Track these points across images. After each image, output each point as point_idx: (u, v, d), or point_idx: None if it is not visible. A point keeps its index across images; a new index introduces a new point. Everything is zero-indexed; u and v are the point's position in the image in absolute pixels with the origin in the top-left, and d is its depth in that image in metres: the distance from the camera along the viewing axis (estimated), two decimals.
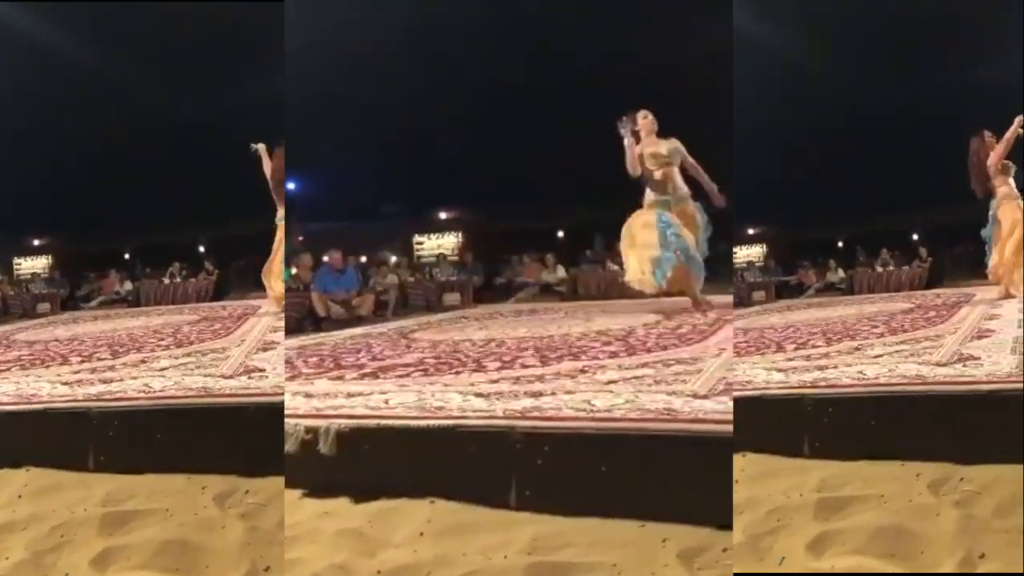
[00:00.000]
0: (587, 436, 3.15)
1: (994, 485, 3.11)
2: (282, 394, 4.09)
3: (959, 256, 13.97)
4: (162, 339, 6.90)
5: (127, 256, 16.38)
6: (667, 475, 2.99)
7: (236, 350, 5.79)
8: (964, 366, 4.29)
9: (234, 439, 3.76)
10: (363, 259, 13.54)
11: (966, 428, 3.48)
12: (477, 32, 14.32)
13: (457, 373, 4.62)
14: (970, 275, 11.84)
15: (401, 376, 4.59)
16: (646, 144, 7.83)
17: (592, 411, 3.42)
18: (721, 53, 9.29)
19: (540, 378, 4.30)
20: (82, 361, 5.62)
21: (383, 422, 3.43)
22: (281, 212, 8.90)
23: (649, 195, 7.82)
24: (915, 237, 16.30)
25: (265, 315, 8.44)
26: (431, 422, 3.36)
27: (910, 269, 14.06)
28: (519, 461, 3.12)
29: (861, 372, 4.28)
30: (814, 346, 5.56)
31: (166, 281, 13.95)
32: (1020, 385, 3.70)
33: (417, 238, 17.53)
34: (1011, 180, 8.82)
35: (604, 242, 13.72)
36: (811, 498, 3.23)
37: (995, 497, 3.05)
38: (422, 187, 16.16)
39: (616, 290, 11.96)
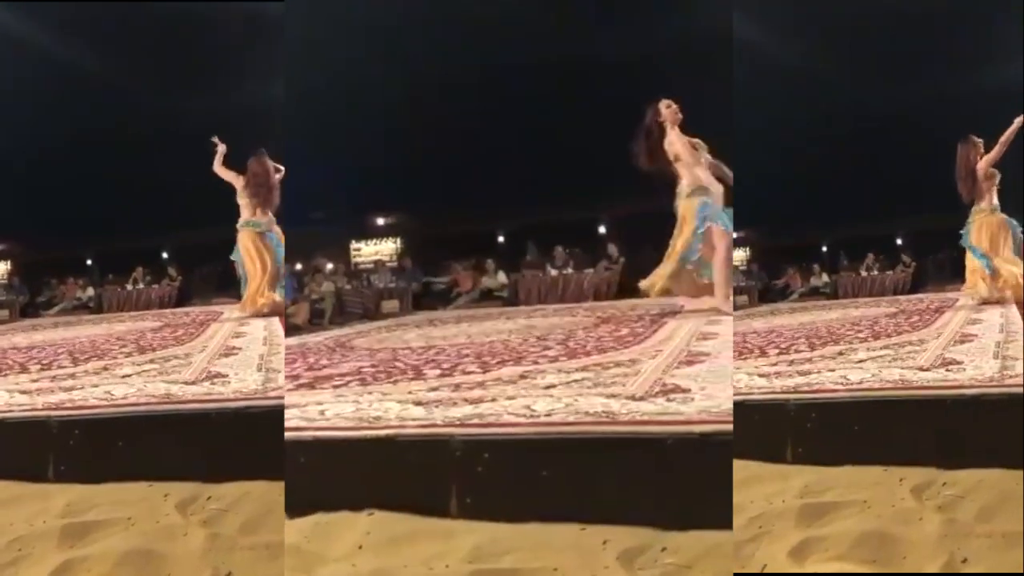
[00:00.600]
0: (527, 441, 3.20)
1: (977, 489, 3.14)
2: (244, 399, 4.09)
3: (942, 261, 14.11)
4: (124, 345, 6.87)
5: (89, 262, 16.27)
6: (606, 477, 3.05)
7: (199, 356, 5.79)
8: (947, 370, 4.33)
9: (197, 445, 3.75)
10: (298, 266, 13.40)
11: (949, 432, 3.52)
12: (420, 34, 14.26)
13: (395, 382, 4.59)
14: (953, 280, 11.93)
15: (338, 386, 4.54)
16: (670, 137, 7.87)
17: (532, 416, 3.47)
18: (718, 53, 9.35)
19: (480, 384, 4.30)
20: (42, 369, 5.58)
21: (319, 434, 3.43)
22: (260, 218, 8.94)
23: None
24: (899, 242, 16.43)
25: (228, 320, 8.41)
26: (369, 433, 3.36)
27: (894, 274, 14.21)
28: (459, 469, 3.15)
29: (844, 377, 4.31)
30: (797, 351, 5.59)
31: (129, 287, 13.88)
32: (1002, 389, 3.75)
33: (355, 244, 17.44)
34: (995, 190, 8.92)
35: (539, 248, 13.77)
36: (794, 504, 3.25)
37: (978, 501, 3.08)
38: (359, 192, 16.04)
39: (555, 294, 12.06)
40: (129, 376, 4.98)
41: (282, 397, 4.09)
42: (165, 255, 15.96)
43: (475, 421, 3.44)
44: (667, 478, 3.02)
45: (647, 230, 13.29)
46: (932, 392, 3.87)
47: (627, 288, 12.16)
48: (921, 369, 4.43)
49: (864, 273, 14.49)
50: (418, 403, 3.84)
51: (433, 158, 14.52)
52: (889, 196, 14.84)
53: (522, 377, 4.46)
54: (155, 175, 13.95)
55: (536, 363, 5.01)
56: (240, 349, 6.08)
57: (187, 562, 2.96)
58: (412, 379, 4.64)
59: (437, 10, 13.95)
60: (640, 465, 3.08)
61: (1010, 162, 8.96)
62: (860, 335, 6.41)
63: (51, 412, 3.94)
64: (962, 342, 5.49)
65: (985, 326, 6.41)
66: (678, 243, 7.83)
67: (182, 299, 13.29)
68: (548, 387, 4.11)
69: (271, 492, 3.33)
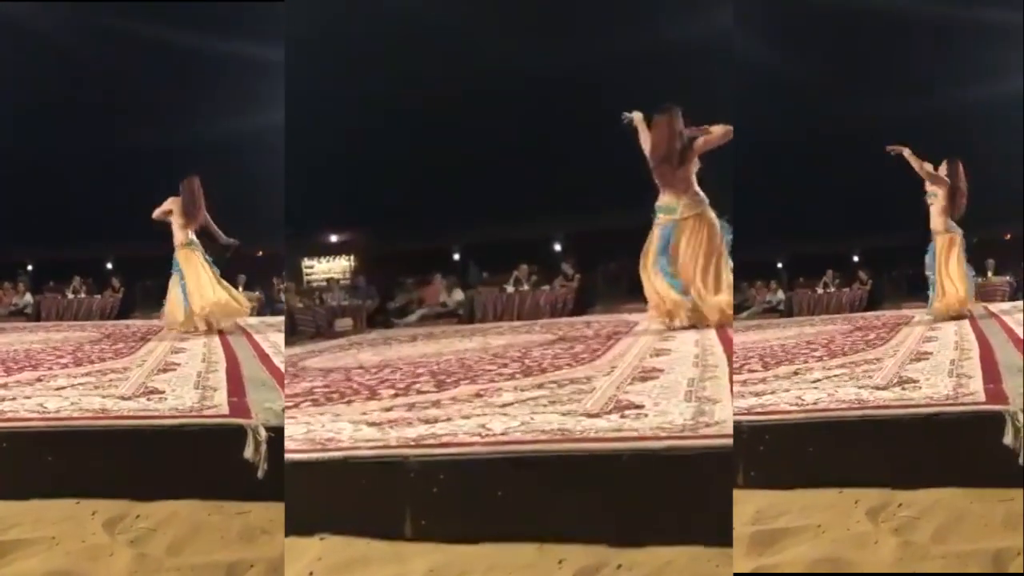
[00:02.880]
0: (483, 461, 3.19)
1: (933, 510, 3.15)
2: (180, 416, 4.01)
3: (898, 279, 14.25)
4: (61, 356, 6.75)
5: (29, 268, 16.01)
6: (562, 495, 3.07)
7: (137, 370, 5.69)
8: (903, 389, 4.33)
9: (129, 462, 3.68)
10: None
11: (905, 452, 3.52)
12: (370, 53, 14.14)
13: (349, 402, 4.54)
14: (910, 297, 12.06)
15: (289, 407, 4.46)
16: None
17: (487, 435, 3.45)
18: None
19: (435, 404, 4.28)
20: None
21: None
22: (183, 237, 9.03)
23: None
24: (856, 259, 16.56)
25: (165, 337, 8.28)
26: (320, 455, 3.33)
27: (851, 291, 14.31)
28: (414, 490, 3.13)
29: (799, 397, 4.29)
30: (750, 371, 5.55)
31: (69, 296, 13.68)
32: (957, 408, 3.76)
33: (307, 262, 17.30)
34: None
35: (490, 267, 13.76)
36: (745, 531, 3.21)
37: (933, 522, 3.09)
38: (311, 209, 15.84)
39: (511, 312, 12.01)
40: (63, 389, 4.89)
41: (221, 416, 4.01)
42: (109, 266, 15.74)
43: (430, 441, 3.40)
44: (623, 495, 3.03)
45: (602, 248, 13.34)
46: (887, 412, 3.86)
47: (582, 305, 12.10)
48: (878, 388, 4.42)
49: (820, 290, 14.57)
50: (372, 424, 3.81)
51: (386, 175, 14.42)
52: (847, 213, 14.96)
53: (478, 396, 4.44)
54: (106, 185, 13.76)
55: (492, 381, 4.98)
56: (179, 365, 5.99)
57: None
58: (366, 399, 4.60)
59: (389, 29, 13.86)
60: (596, 482, 3.09)
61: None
62: (816, 353, 6.40)
63: None
64: (918, 360, 5.50)
65: (940, 344, 6.44)
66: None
67: (123, 311, 13.14)
68: (504, 405, 4.09)
69: (199, 512, 3.27)
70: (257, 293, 12.69)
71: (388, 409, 4.20)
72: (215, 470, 3.65)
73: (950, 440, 3.52)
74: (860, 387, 4.49)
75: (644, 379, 4.72)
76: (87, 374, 5.57)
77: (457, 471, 3.15)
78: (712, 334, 6.80)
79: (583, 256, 13.46)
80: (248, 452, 3.62)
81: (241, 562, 3.16)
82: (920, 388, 4.32)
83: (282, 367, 5.95)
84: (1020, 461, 3.31)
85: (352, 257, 17.17)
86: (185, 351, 6.90)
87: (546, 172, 12.78)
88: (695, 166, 7.81)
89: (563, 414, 3.78)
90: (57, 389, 4.88)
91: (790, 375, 5.19)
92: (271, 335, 8.09)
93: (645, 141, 7.87)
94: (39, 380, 5.31)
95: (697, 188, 7.80)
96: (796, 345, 7.17)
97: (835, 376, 5.00)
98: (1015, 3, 11.36)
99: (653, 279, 7.70)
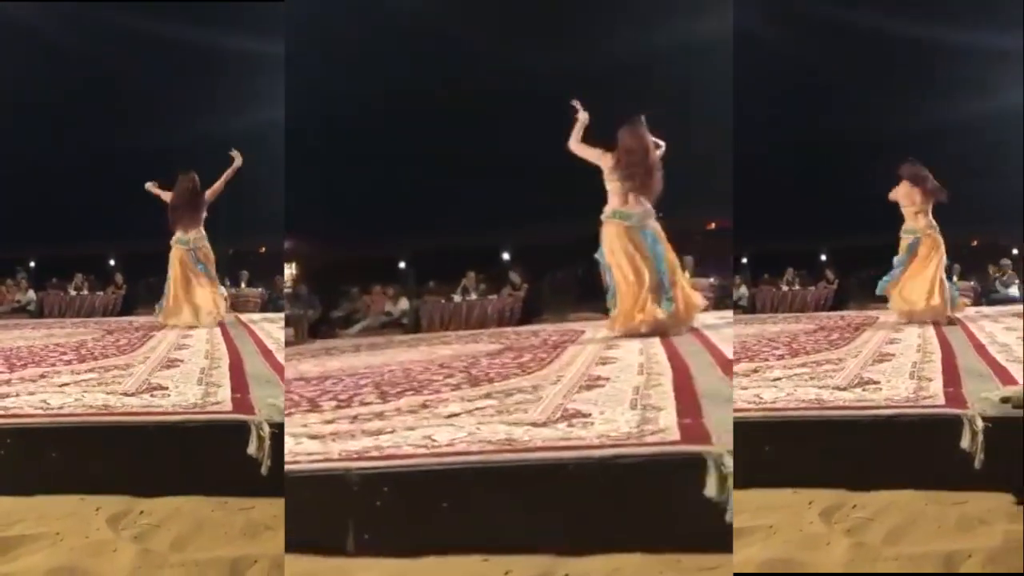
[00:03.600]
0: (428, 472, 3.08)
1: (887, 511, 3.16)
2: (183, 412, 4.02)
3: (865, 280, 14.21)
4: (64, 353, 6.69)
5: (31, 265, 15.89)
6: (508, 506, 2.98)
7: (140, 367, 5.66)
8: (863, 390, 4.33)
9: (133, 458, 3.68)
10: None
11: (863, 453, 3.53)
12: (319, 57, 13.99)
13: (289, 415, 4.30)
14: (874, 298, 12.05)
15: None
16: None
17: (433, 446, 3.33)
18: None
19: (380, 415, 4.07)
20: None
21: None
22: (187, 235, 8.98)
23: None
24: (823, 258, 16.50)
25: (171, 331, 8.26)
26: None
27: (816, 290, 14.18)
28: (356, 504, 3.02)
29: (758, 396, 4.28)
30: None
31: (72, 293, 13.61)
32: (916, 410, 3.78)
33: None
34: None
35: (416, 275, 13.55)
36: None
37: (886, 524, 3.09)
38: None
39: (459, 321, 11.74)
40: (66, 385, 4.86)
41: (224, 412, 4.01)
42: (111, 262, 15.62)
43: (373, 454, 3.26)
44: (569, 503, 2.97)
45: (551, 257, 13.15)
46: (846, 412, 3.87)
47: (530, 314, 11.92)
48: (838, 388, 4.42)
49: (785, 287, 14.36)
50: (313, 436, 3.65)
51: (329, 181, 14.18)
52: (815, 211, 14.91)
53: (423, 406, 4.24)
54: (105, 182, 13.66)
55: (438, 392, 4.75)
56: (182, 361, 5.94)
57: None
58: (307, 411, 4.38)
59: (336, 33, 13.66)
60: (542, 492, 3.02)
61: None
62: (776, 352, 6.31)
63: None
64: (880, 361, 5.48)
65: (903, 345, 6.39)
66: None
67: (126, 308, 13.05)
68: (450, 416, 3.94)
69: (203, 508, 3.27)
70: (259, 290, 12.59)
71: (330, 421, 3.98)
72: (218, 466, 3.64)
73: (908, 442, 3.53)
74: (820, 387, 4.48)
75: (590, 387, 4.59)
76: (90, 370, 5.53)
77: (402, 483, 3.04)
78: (656, 342, 6.57)
79: (531, 265, 13.11)
80: (251, 448, 3.62)
81: (245, 558, 3.15)
82: (881, 390, 4.32)
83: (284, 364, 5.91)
84: (976, 464, 3.34)
85: (294, 265, 16.80)
86: (188, 347, 6.84)
87: (495, 181, 12.56)
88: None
89: (510, 424, 3.66)
90: (61, 386, 4.85)
91: (749, 373, 5.15)
92: (274, 331, 8.00)
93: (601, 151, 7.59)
94: (43, 376, 5.26)
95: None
96: (758, 343, 7.02)
97: (795, 375, 4.97)
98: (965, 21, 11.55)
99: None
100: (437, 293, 12.91)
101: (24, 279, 14.39)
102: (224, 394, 4.54)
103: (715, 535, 2.88)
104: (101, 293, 13.60)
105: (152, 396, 4.48)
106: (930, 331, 7.42)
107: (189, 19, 12.44)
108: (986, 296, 12.28)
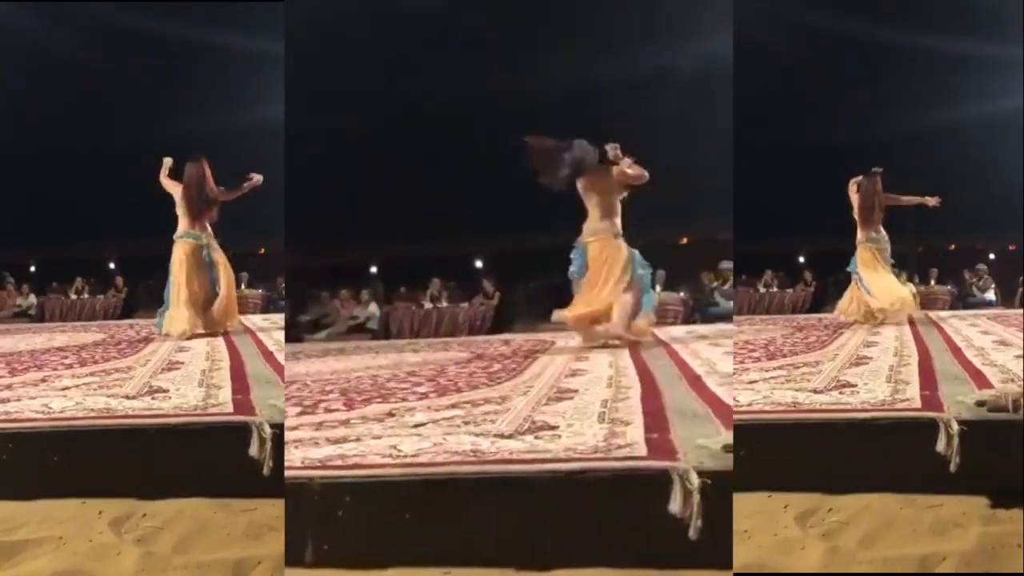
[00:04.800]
0: (392, 483, 2.98)
1: (861, 515, 3.14)
2: (185, 415, 4.00)
3: (843, 282, 14.21)
4: (65, 357, 6.66)
5: (32, 269, 15.80)
6: (473, 518, 2.91)
7: (141, 370, 5.63)
8: (840, 393, 4.32)
9: (134, 461, 3.66)
10: None
11: (839, 456, 3.51)
12: (296, 64, 13.87)
13: None
14: None
15: None
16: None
17: (398, 456, 3.23)
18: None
19: (344, 423, 3.96)
20: None
21: None
22: (196, 231, 8.31)
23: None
24: (801, 260, 16.49)
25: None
26: None
27: (794, 292, 14.11)
28: (317, 514, 2.92)
29: (734, 399, 4.24)
30: None
31: (72, 296, 13.55)
32: (892, 413, 3.78)
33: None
34: None
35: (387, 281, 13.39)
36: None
37: (861, 528, 3.08)
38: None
39: (428, 328, 11.56)
40: (67, 389, 4.84)
41: (226, 414, 3.98)
42: (112, 265, 15.53)
43: (337, 463, 3.17)
44: (535, 517, 2.91)
45: (524, 266, 13.01)
46: (822, 415, 3.86)
47: (501, 322, 11.76)
48: (815, 391, 4.41)
49: (763, 290, 14.29)
50: None
51: (301, 185, 14.01)
52: (793, 213, 14.90)
53: (389, 415, 4.14)
54: (104, 184, 13.58)
55: (405, 400, 4.63)
56: (183, 363, 5.90)
57: None
58: None
59: (316, 42, 13.56)
60: (508, 504, 2.94)
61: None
62: (753, 355, 6.26)
63: None
64: (857, 364, 5.47)
65: (880, 348, 6.39)
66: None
67: (127, 311, 12.99)
68: (417, 425, 3.83)
69: (205, 510, 3.26)
70: (260, 291, 12.51)
71: (293, 428, 3.85)
72: (220, 468, 3.60)
73: (884, 445, 3.52)
74: (797, 390, 4.47)
75: (559, 399, 4.48)
76: (91, 374, 5.51)
77: (364, 493, 2.94)
78: (625, 354, 6.46)
79: (504, 274, 12.96)
80: (253, 449, 3.59)
81: (247, 559, 3.13)
82: (858, 393, 4.31)
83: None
84: (951, 468, 3.33)
85: None
86: (189, 349, 6.78)
87: (470, 189, 12.42)
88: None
89: (476, 434, 3.57)
90: (62, 389, 4.83)
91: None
92: (274, 333, 7.91)
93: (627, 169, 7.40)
94: (44, 380, 5.24)
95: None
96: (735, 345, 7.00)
97: (772, 378, 4.95)
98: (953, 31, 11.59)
99: None
100: (408, 299, 12.63)
101: (27, 284, 14.33)
102: (225, 395, 4.51)
103: (679, 552, 2.81)
104: (102, 296, 13.53)
105: (153, 399, 4.45)
106: (907, 334, 7.40)
107: (189, 19, 12.38)
108: (962, 300, 12.32)
